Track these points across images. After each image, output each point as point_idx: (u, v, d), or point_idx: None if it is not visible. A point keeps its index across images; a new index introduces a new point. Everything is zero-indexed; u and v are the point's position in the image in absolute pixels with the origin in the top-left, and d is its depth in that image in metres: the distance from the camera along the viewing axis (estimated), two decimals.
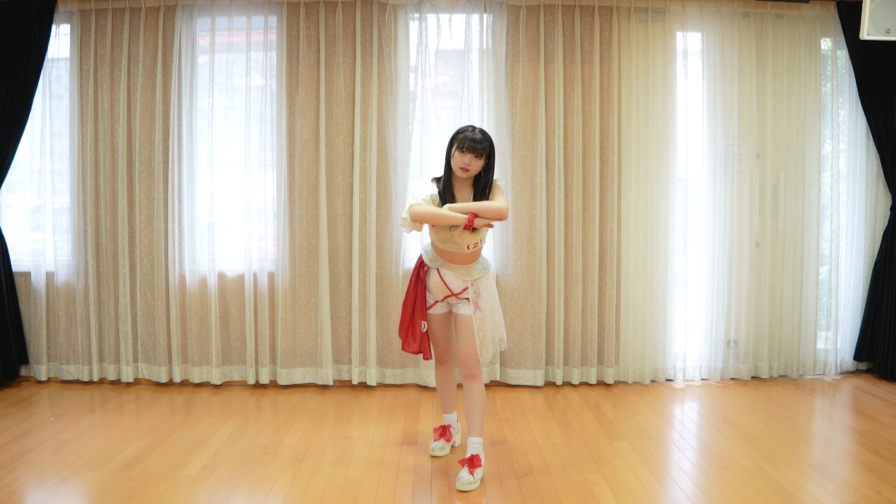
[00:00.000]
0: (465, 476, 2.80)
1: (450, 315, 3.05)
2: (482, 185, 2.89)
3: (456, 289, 2.94)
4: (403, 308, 3.06)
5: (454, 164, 2.84)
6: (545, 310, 4.25)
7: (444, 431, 3.24)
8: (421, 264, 3.02)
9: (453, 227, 2.82)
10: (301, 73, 4.17)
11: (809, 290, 4.41)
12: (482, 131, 2.85)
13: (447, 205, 2.84)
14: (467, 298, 2.93)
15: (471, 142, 2.79)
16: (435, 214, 2.81)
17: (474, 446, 2.88)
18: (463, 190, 2.91)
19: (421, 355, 3.09)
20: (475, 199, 2.88)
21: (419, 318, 3.00)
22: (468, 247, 2.87)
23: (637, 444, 3.29)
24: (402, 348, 3.04)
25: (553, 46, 4.20)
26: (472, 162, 2.80)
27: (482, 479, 2.86)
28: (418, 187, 2.96)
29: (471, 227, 2.79)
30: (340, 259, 4.24)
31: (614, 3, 4.20)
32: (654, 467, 3.03)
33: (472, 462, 2.84)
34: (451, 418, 3.26)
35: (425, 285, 3.00)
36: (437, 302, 3.01)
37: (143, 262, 4.24)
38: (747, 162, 4.33)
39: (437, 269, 2.95)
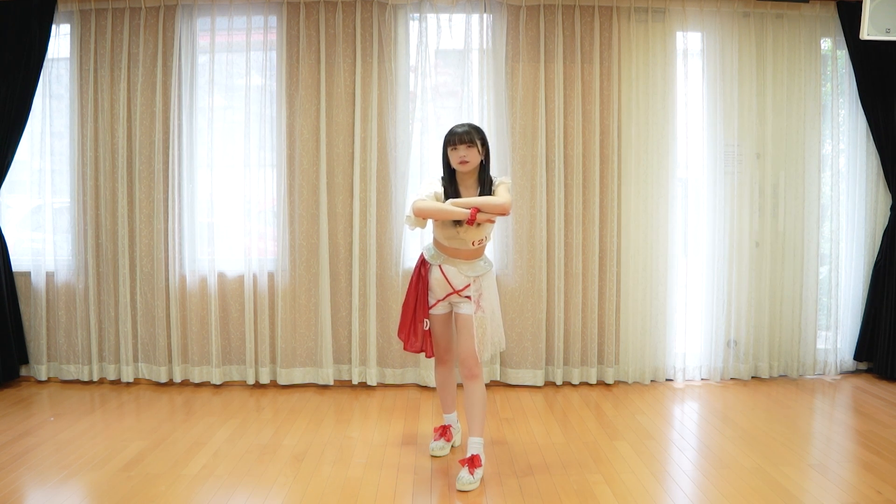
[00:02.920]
0: (465, 476, 2.80)
1: (451, 315, 3.05)
2: (486, 179, 2.92)
3: (458, 285, 2.94)
4: (404, 309, 3.06)
5: (454, 162, 2.88)
6: (545, 310, 4.25)
7: (444, 431, 3.24)
8: (422, 262, 3.02)
9: (458, 223, 2.83)
10: (301, 73, 4.17)
11: (809, 290, 4.41)
12: (467, 123, 2.92)
13: (450, 200, 2.85)
14: (468, 297, 2.93)
15: (458, 135, 2.85)
16: (438, 210, 2.83)
17: (474, 446, 2.89)
18: (469, 188, 2.94)
19: (423, 354, 3.09)
20: (481, 194, 2.89)
21: (421, 316, 2.99)
22: (473, 243, 2.89)
23: (637, 444, 3.29)
24: (405, 348, 3.04)
25: (553, 46, 4.20)
26: (468, 152, 2.84)
27: (482, 479, 2.86)
28: (423, 184, 3.00)
29: (473, 222, 2.79)
30: (340, 259, 4.24)
31: (614, 3, 4.20)
32: (654, 467, 3.03)
33: (473, 462, 2.84)
34: (451, 418, 3.26)
35: (427, 283, 3.00)
36: (438, 301, 3.00)
37: (143, 262, 4.24)
38: (747, 162, 4.33)
39: (440, 266, 2.96)
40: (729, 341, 4.37)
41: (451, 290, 2.96)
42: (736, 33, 4.28)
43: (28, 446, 3.23)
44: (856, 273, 4.51)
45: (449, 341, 3.10)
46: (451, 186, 2.92)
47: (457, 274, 2.93)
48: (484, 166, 2.92)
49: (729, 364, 4.38)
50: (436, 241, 3.00)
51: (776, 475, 2.90)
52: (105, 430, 3.48)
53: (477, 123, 4.14)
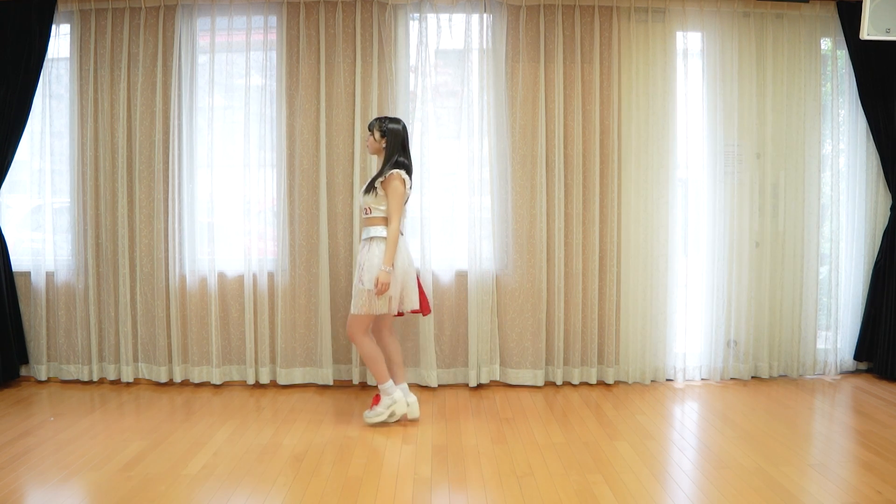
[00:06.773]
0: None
1: None
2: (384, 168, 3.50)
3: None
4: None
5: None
6: (545, 309, 4.25)
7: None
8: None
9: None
10: (301, 73, 4.17)
11: (809, 290, 4.41)
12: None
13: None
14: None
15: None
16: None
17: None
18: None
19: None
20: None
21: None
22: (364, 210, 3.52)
23: (637, 444, 3.29)
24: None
25: (553, 46, 4.20)
26: (369, 139, 3.57)
27: (483, 480, 2.87)
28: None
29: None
30: (340, 259, 4.24)
31: (614, 3, 4.20)
32: (654, 467, 3.03)
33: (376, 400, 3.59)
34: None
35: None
36: None
37: (143, 262, 4.24)
38: (747, 162, 4.33)
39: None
40: (729, 341, 4.37)
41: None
42: (736, 33, 4.28)
43: (28, 446, 3.23)
44: (856, 273, 4.51)
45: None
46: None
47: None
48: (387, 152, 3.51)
49: (729, 364, 4.38)
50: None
51: (776, 475, 2.90)
52: (105, 430, 3.49)
53: (477, 123, 4.18)
